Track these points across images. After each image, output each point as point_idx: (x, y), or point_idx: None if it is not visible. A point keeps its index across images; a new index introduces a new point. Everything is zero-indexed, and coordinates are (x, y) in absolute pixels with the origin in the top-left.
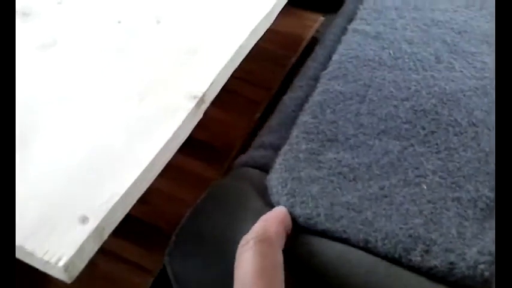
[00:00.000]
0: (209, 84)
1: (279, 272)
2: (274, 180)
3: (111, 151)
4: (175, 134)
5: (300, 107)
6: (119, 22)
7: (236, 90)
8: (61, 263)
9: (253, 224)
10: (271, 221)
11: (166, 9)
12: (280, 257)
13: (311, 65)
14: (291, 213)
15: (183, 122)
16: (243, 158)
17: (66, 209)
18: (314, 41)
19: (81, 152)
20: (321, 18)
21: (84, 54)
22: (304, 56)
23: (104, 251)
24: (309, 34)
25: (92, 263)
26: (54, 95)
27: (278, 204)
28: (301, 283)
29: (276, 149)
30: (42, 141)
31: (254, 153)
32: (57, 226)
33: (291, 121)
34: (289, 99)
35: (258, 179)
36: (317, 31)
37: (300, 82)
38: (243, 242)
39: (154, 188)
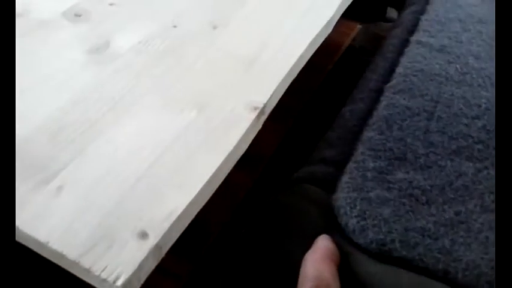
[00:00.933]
0: (270, 95)
1: None
2: (341, 200)
3: (170, 163)
4: (237, 147)
5: (361, 120)
6: (175, 26)
7: None
8: (119, 282)
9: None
10: (324, 262)
11: (222, 15)
12: None
13: (371, 77)
14: (361, 238)
15: (244, 133)
16: (301, 173)
17: (124, 224)
18: (350, 49)
19: (140, 164)
20: (358, 27)
21: (138, 59)
22: (339, 64)
23: None
24: (346, 42)
25: None
26: (107, 102)
27: (347, 226)
28: None
29: (338, 165)
30: (98, 152)
31: (314, 169)
32: (115, 242)
33: (353, 135)
34: (349, 112)
35: (319, 197)
36: (354, 39)
37: (360, 94)
38: None
39: None
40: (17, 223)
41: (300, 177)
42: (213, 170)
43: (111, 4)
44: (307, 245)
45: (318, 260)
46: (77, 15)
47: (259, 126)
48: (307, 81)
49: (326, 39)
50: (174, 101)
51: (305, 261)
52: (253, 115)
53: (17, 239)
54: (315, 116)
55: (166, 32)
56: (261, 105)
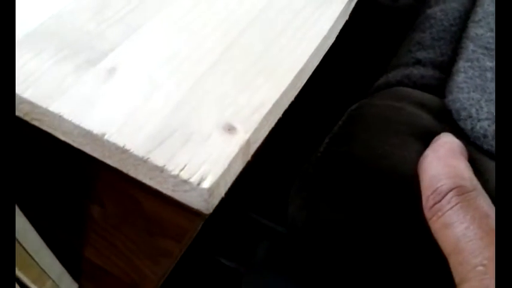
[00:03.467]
0: None
1: None
2: (462, 101)
3: (251, 48)
4: (329, 32)
5: (459, 19)
6: None
7: None
8: (206, 184)
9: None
10: (455, 157)
11: None
12: None
13: None
14: (492, 145)
15: (338, 17)
16: (391, 77)
17: (202, 115)
18: None
19: (212, 47)
20: None
21: None
22: None
23: (148, 188)
24: None
25: (135, 200)
26: None
27: (473, 130)
28: None
29: (439, 66)
30: (154, 31)
31: (409, 72)
32: (194, 135)
33: (451, 36)
34: (440, 11)
35: (425, 99)
36: None
37: None
38: (436, 197)
39: None
40: (58, 111)
41: (391, 81)
42: (306, 58)
43: None
44: (418, 147)
45: (445, 155)
46: None
47: (347, 16)
48: None
49: None
50: None
51: (426, 158)
52: None
53: (54, 131)
54: None
55: None
56: None
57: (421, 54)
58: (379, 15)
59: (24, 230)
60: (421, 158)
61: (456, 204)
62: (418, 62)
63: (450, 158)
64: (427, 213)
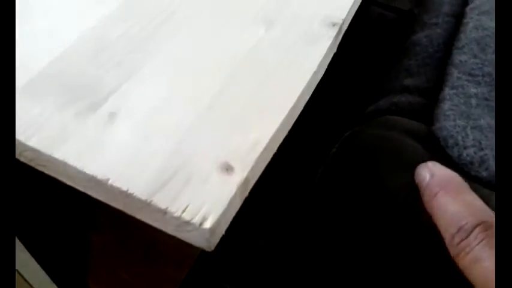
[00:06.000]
0: (348, 10)
1: None
2: (448, 129)
3: (246, 86)
4: (320, 67)
5: (442, 45)
6: None
7: None
8: (207, 224)
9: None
10: (470, 194)
11: None
12: None
13: (443, 0)
14: (482, 170)
15: (326, 52)
16: (380, 104)
17: (202, 155)
18: None
19: (209, 86)
20: None
21: None
22: None
23: None
24: None
25: (134, 226)
26: (155, 17)
27: (460, 158)
28: None
29: (425, 93)
30: (152, 74)
31: (398, 99)
32: (194, 176)
33: (436, 62)
34: (425, 38)
35: (413, 127)
36: None
37: (433, 19)
38: (463, 234)
39: None
40: (62, 158)
41: (380, 109)
42: (298, 94)
43: None
44: (408, 176)
45: (457, 191)
46: None
47: (335, 49)
48: None
49: None
50: (237, 15)
51: (437, 196)
52: (333, 32)
53: (59, 176)
54: None
55: None
56: (340, 21)
57: (408, 81)
58: (373, 27)
59: (27, 264)
60: (431, 196)
61: (483, 240)
62: (406, 89)
63: (463, 194)
64: (453, 250)
